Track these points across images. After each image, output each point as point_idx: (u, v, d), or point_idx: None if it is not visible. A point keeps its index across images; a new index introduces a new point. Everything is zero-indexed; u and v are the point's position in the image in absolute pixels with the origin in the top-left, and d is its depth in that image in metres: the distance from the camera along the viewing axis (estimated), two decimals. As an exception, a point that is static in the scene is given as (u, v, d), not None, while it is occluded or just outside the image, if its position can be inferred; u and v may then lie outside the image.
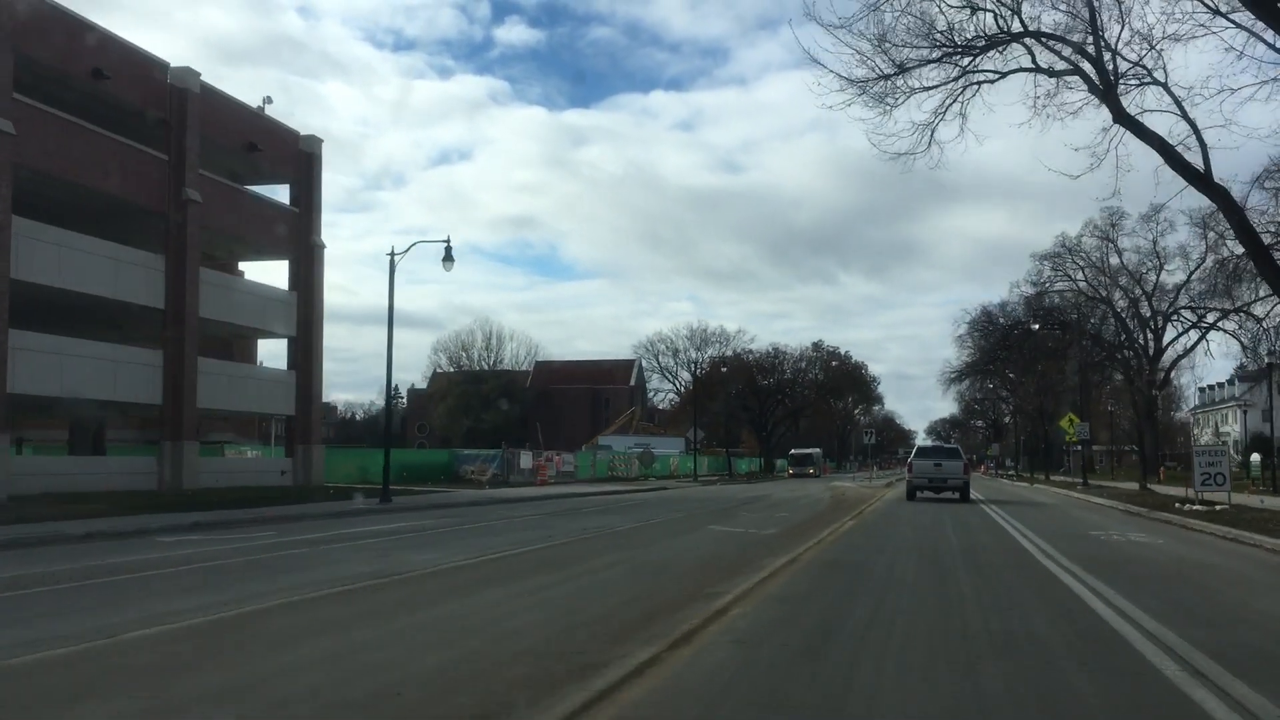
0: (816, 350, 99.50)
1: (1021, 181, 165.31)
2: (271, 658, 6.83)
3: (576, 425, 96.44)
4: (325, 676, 6.26)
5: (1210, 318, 51.04)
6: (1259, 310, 44.96)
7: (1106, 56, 20.41)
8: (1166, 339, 54.80)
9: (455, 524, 20.65)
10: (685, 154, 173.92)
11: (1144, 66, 20.38)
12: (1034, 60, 21.21)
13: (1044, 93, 21.52)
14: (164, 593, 10.17)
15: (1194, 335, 53.39)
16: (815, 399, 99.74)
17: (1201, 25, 19.16)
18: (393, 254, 28.46)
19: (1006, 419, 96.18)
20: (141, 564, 12.55)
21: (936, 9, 20.27)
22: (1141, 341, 55.68)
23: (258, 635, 7.79)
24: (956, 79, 21.22)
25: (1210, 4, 18.84)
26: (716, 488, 49.79)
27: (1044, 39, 20.96)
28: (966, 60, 21.13)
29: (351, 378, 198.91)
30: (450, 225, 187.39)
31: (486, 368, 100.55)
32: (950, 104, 21.26)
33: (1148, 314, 54.68)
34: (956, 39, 20.67)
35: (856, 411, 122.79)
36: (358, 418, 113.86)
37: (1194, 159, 20.31)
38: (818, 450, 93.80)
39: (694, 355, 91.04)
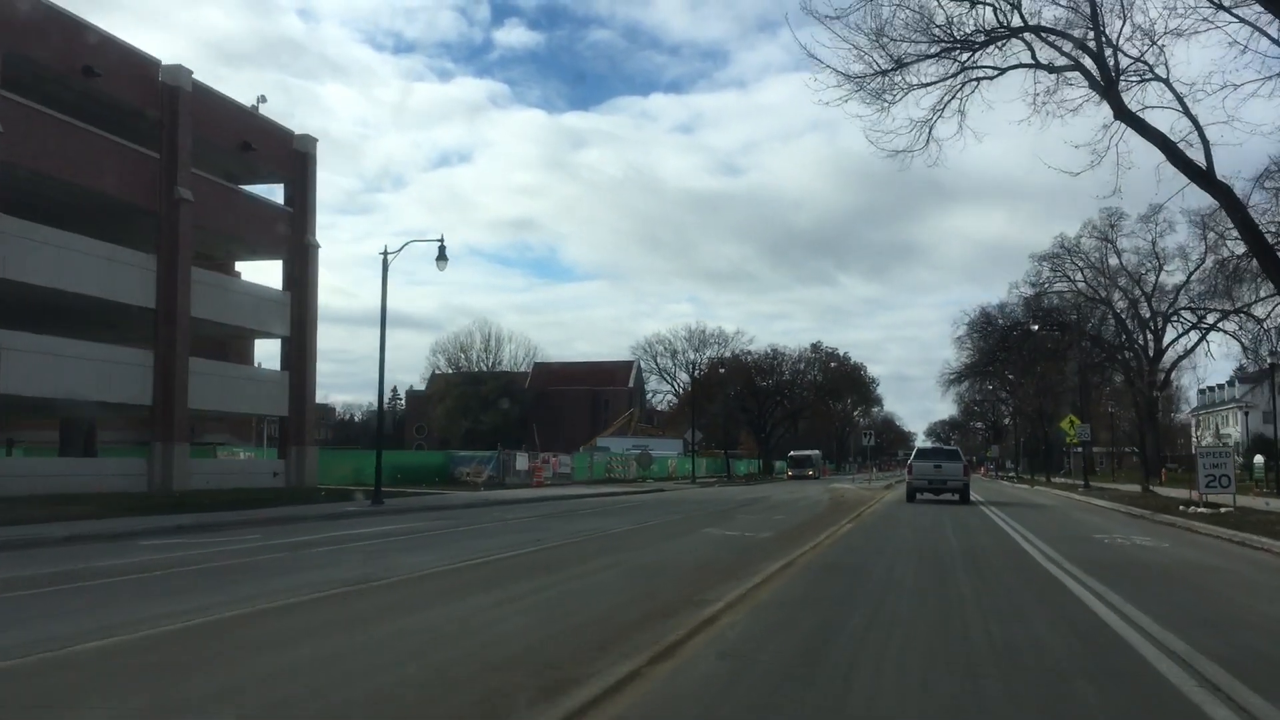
0: (815, 351, 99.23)
1: (1021, 182, 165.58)
2: (212, 679, 6.20)
3: (575, 427, 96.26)
4: (259, 700, 5.64)
5: (1210, 318, 50.97)
6: (1259, 311, 44.90)
7: (1108, 52, 20.18)
8: (1166, 340, 54.74)
9: (448, 526, 20.37)
10: (685, 156, 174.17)
11: (1145, 62, 20.18)
12: (1034, 56, 21.00)
13: (1044, 89, 21.30)
14: (133, 599, 9.89)
15: (1194, 336, 53.37)
16: (814, 400, 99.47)
17: (1205, 20, 19.01)
18: (385, 253, 28.29)
19: (1006, 420, 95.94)
20: (125, 568, 12.25)
21: (935, 2, 20.08)
22: (1141, 342, 55.52)
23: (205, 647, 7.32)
24: (955, 75, 21.01)
25: (1214, -2, 18.63)
26: (715, 489, 49.51)
27: (1044, 34, 20.73)
28: (965, 56, 20.91)
29: (350, 379, 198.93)
30: (450, 227, 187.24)
31: (485, 369, 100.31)
32: (949, 100, 21.08)
33: (1147, 315, 54.54)
34: (955, 34, 20.47)
35: (856, 413, 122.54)
36: (356, 419, 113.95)
37: (1196, 156, 20.12)
38: (817, 452, 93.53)
39: (692, 356, 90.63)
